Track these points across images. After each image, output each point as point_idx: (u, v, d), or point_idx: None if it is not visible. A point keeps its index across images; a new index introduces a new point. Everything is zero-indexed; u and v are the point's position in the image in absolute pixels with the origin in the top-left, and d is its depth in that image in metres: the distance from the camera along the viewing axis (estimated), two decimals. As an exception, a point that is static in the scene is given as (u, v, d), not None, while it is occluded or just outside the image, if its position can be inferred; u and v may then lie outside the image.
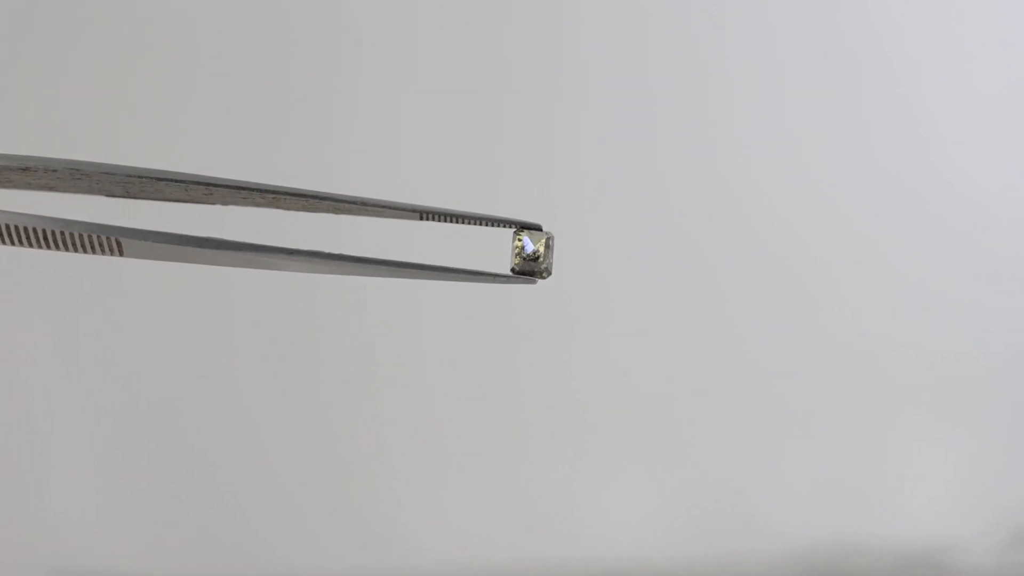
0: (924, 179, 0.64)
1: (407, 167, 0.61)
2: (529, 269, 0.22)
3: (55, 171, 0.22)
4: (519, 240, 0.22)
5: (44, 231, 0.19)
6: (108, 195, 0.25)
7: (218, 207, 0.26)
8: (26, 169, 0.21)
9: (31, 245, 0.21)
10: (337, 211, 0.24)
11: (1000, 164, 0.65)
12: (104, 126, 0.60)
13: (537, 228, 0.23)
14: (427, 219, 0.23)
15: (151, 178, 0.21)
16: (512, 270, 0.23)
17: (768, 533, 0.65)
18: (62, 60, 0.59)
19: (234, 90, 0.60)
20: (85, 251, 0.22)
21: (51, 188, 0.25)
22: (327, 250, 0.21)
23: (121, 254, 0.21)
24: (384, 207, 0.21)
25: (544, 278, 0.22)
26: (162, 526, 0.62)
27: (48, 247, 0.21)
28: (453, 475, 0.64)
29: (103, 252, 0.22)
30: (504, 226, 0.23)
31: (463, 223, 0.23)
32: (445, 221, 0.23)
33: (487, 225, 0.23)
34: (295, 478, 0.63)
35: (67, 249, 0.22)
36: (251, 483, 0.63)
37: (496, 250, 0.27)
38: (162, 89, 0.60)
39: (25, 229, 0.19)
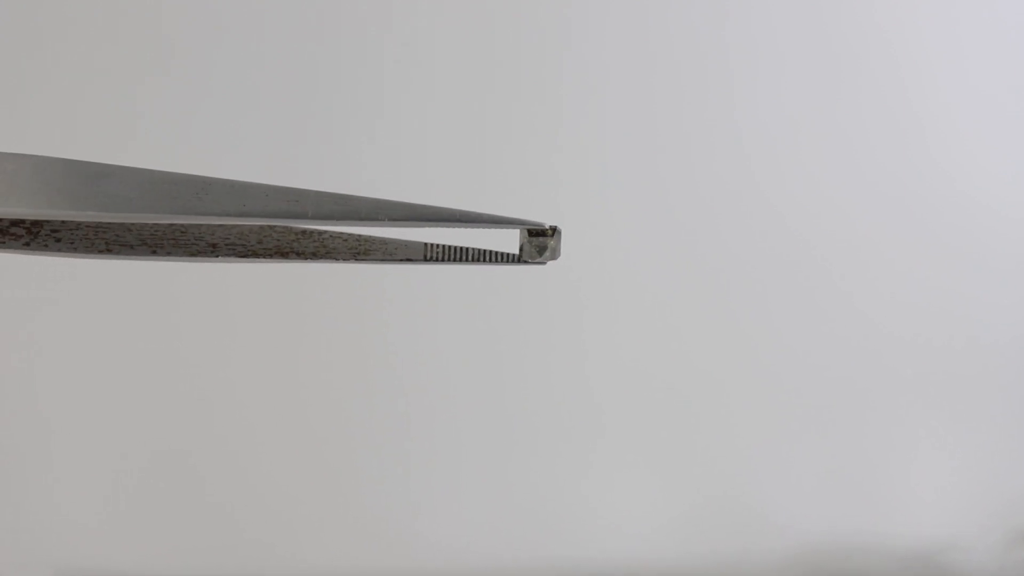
0: (928, 176, 0.64)
1: (416, 170, 0.61)
2: (536, 259, 0.22)
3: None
4: (526, 244, 0.22)
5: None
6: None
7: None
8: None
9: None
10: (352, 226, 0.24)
11: (1005, 161, 0.65)
12: (116, 128, 0.60)
13: (542, 231, 0.23)
14: (434, 226, 0.22)
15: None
16: (520, 253, 0.23)
17: (773, 530, 0.66)
18: (71, 62, 0.59)
19: (250, 95, 0.60)
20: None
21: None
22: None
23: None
24: (396, 221, 0.21)
25: (554, 259, 0.23)
26: (166, 527, 0.62)
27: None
28: (465, 474, 0.64)
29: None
30: (509, 227, 0.23)
31: (470, 227, 0.23)
32: (452, 226, 0.23)
33: (491, 227, 0.23)
34: (303, 477, 0.63)
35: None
36: (258, 483, 0.63)
37: (505, 244, 0.27)
38: (182, 91, 0.60)
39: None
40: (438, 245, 0.22)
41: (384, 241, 0.21)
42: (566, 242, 0.26)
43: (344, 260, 0.20)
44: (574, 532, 0.65)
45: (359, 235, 0.21)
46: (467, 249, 0.22)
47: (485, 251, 0.23)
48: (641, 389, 0.64)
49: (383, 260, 0.20)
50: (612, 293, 0.63)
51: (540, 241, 0.22)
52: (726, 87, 0.63)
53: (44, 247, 0.24)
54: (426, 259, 0.21)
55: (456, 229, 0.23)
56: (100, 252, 0.22)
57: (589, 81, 0.62)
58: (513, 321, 0.63)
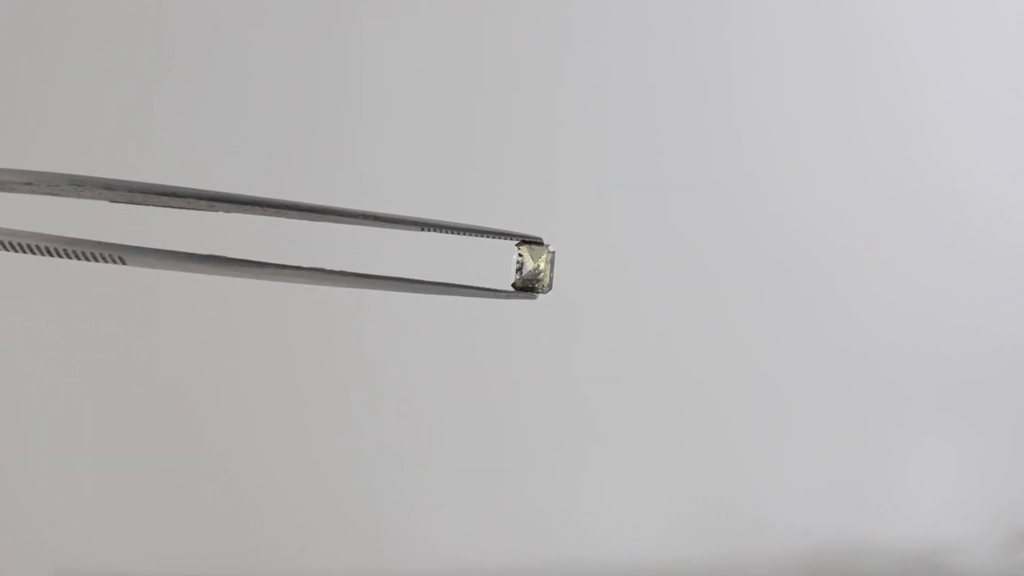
0: (927, 180, 0.64)
1: (411, 178, 0.61)
2: (530, 286, 0.23)
3: (57, 185, 0.22)
4: (520, 257, 0.23)
5: (49, 248, 0.19)
6: (111, 201, 0.25)
7: (221, 214, 0.26)
8: (29, 184, 0.21)
9: (36, 254, 0.21)
10: (341, 222, 0.24)
11: (1005, 161, 0.65)
12: (116, 127, 0.60)
13: (538, 242, 0.23)
14: (429, 231, 0.23)
15: (153, 193, 0.21)
16: (513, 286, 0.23)
17: (772, 533, 0.66)
18: (71, 62, 0.59)
19: (250, 96, 0.60)
20: (89, 261, 0.22)
21: (55, 195, 0.26)
22: (330, 263, 0.22)
23: (124, 263, 0.21)
24: (387, 220, 0.21)
25: (545, 293, 0.23)
26: (166, 528, 0.63)
27: (53, 256, 0.22)
28: (461, 479, 0.64)
29: (107, 262, 0.22)
30: (506, 239, 0.23)
31: (466, 235, 0.23)
32: (448, 233, 0.23)
33: (489, 237, 0.23)
34: (302, 482, 0.63)
35: (72, 258, 0.22)
36: (257, 486, 0.63)
37: (499, 259, 0.27)
38: (175, 100, 0.60)
39: (30, 246, 0.19)
40: (426, 282, 0.22)
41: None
42: (561, 251, 0.26)
43: (336, 283, 0.21)
44: (572, 538, 0.65)
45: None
46: (457, 285, 0.23)
47: (476, 287, 0.23)
48: (637, 395, 0.64)
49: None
50: (607, 297, 0.63)
51: (532, 282, 0.22)
52: (726, 88, 0.63)
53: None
54: (417, 282, 0.21)
55: (452, 241, 0.23)
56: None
57: (589, 82, 0.62)
58: (508, 326, 0.63)
